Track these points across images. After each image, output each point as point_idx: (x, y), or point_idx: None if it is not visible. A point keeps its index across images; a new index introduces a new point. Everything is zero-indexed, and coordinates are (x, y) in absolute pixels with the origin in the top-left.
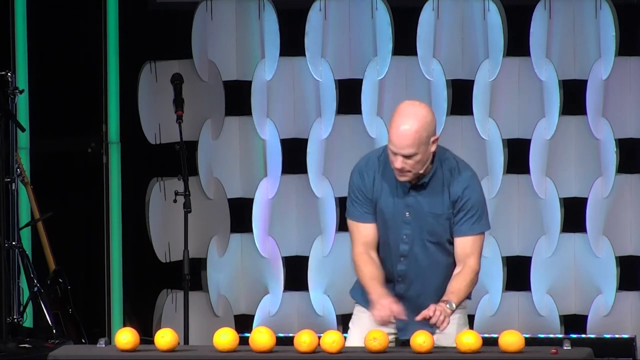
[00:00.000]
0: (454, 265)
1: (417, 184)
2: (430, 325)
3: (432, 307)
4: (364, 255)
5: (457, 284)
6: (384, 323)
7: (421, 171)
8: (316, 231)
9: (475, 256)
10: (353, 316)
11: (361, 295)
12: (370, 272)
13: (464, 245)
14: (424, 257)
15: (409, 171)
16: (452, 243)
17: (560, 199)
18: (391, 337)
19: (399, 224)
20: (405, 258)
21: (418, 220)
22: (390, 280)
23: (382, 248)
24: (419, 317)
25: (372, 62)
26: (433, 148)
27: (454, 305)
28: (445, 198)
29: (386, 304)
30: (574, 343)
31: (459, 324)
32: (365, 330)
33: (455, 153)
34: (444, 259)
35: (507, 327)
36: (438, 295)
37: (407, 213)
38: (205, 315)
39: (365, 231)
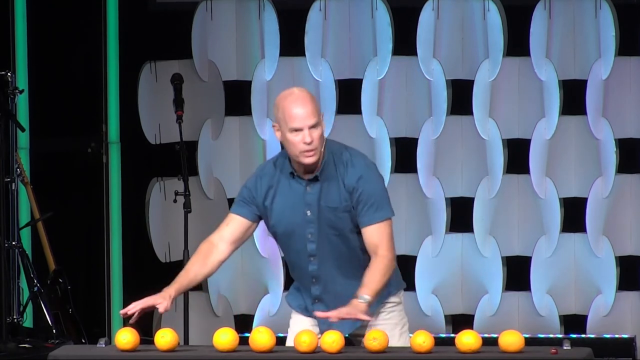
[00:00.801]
0: (366, 256)
1: (309, 179)
2: (352, 321)
3: (338, 310)
4: (206, 243)
5: (370, 276)
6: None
7: (321, 150)
8: None
9: (384, 244)
10: (292, 315)
11: (292, 300)
12: (192, 261)
13: (370, 235)
14: (332, 254)
15: (315, 148)
16: (358, 234)
17: (560, 199)
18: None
19: (302, 225)
20: (315, 257)
21: (319, 216)
22: (305, 284)
23: (291, 253)
24: (331, 318)
25: (372, 62)
26: (324, 127)
27: (366, 298)
28: (341, 191)
29: (146, 300)
30: (574, 343)
31: (394, 323)
32: (294, 332)
33: (456, 153)
34: (353, 252)
35: (507, 327)
36: (354, 291)
37: (308, 212)
38: (205, 315)
39: (234, 224)
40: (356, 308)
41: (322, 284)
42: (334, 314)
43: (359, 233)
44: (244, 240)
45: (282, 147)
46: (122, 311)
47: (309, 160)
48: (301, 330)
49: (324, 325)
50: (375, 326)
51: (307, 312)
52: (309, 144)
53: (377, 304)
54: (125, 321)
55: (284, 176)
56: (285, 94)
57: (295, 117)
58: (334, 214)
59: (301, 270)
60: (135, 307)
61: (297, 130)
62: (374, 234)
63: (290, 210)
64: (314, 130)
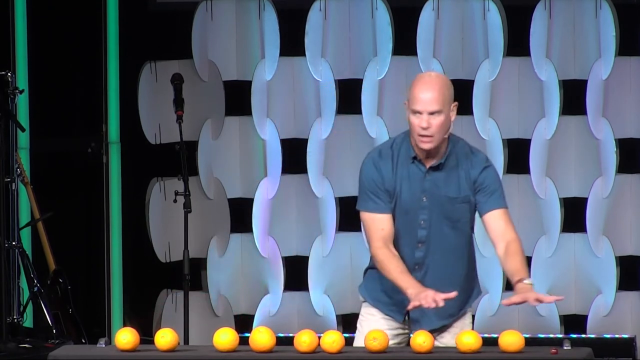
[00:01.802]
0: (471, 253)
1: (433, 166)
2: (445, 317)
3: (516, 297)
4: (384, 249)
5: (518, 260)
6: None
7: (440, 139)
8: (316, 231)
9: (511, 227)
10: (361, 316)
11: (371, 294)
12: (397, 265)
13: (496, 219)
14: (442, 243)
15: (432, 135)
16: (470, 227)
17: (560, 199)
18: (402, 338)
19: (416, 210)
20: (423, 244)
21: (435, 204)
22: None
23: (400, 236)
24: (506, 303)
25: (372, 62)
26: (453, 116)
27: (531, 279)
28: (462, 181)
29: (430, 295)
30: (574, 343)
31: (466, 323)
32: (378, 325)
33: None
34: (463, 243)
35: (507, 327)
36: (456, 281)
37: (424, 198)
38: (205, 315)
39: (382, 224)
40: (527, 292)
41: (424, 271)
42: (514, 300)
43: (470, 225)
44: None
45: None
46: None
47: (424, 145)
48: (303, 330)
49: (416, 317)
50: (462, 329)
51: (392, 301)
52: (425, 129)
53: (467, 304)
54: (125, 321)
55: (402, 159)
56: (422, 75)
57: (417, 99)
58: (452, 203)
59: (406, 256)
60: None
61: (417, 112)
62: (501, 218)
63: (408, 194)
64: (433, 117)
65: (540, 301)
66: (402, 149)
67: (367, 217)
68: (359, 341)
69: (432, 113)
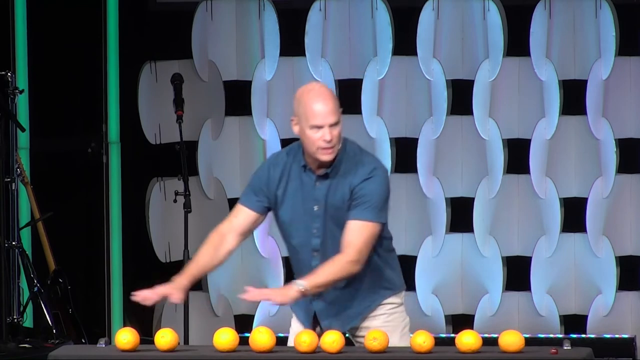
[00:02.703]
0: (370, 254)
1: (320, 175)
2: (346, 319)
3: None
4: (216, 235)
5: (321, 268)
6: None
7: (339, 147)
8: None
9: (356, 245)
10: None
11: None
12: (201, 254)
13: (348, 230)
14: (336, 250)
15: (334, 146)
16: None
17: (560, 199)
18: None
19: (308, 219)
20: (318, 252)
21: (326, 212)
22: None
23: (294, 247)
24: (250, 297)
25: (372, 62)
26: (341, 125)
27: (303, 284)
28: (346, 188)
29: (158, 291)
30: (574, 343)
31: (395, 325)
32: (294, 332)
33: (456, 153)
34: None
35: (507, 327)
36: (357, 284)
37: (315, 207)
38: (205, 315)
39: (242, 215)
40: (283, 291)
41: None
42: (255, 294)
43: None
44: (252, 230)
45: (281, 142)
46: (137, 298)
47: (326, 157)
48: (301, 330)
49: (323, 320)
50: (378, 327)
51: (309, 307)
52: (329, 141)
53: (376, 302)
54: (125, 321)
55: (295, 168)
56: (308, 88)
57: (316, 114)
58: (339, 212)
59: (303, 264)
60: (150, 299)
61: (317, 127)
62: (352, 231)
63: (299, 203)
64: (334, 129)
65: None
66: (296, 157)
67: (236, 206)
68: (290, 340)
69: (332, 125)
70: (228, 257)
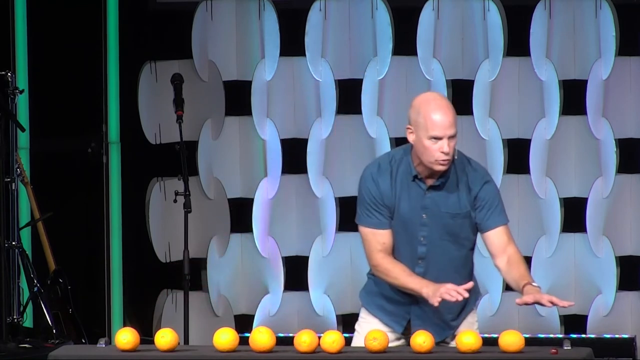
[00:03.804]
0: (469, 265)
1: (431, 185)
2: (446, 329)
3: (528, 296)
4: (387, 258)
5: (522, 268)
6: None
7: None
8: (316, 231)
9: (512, 243)
10: (361, 318)
11: (369, 300)
12: (403, 270)
13: (499, 236)
14: (441, 258)
15: (450, 158)
16: (470, 241)
17: (560, 199)
18: (402, 342)
19: (415, 227)
20: (423, 260)
21: (435, 221)
22: None
23: (399, 252)
24: (519, 302)
25: (372, 62)
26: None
27: (536, 283)
28: (462, 196)
29: (450, 287)
30: (574, 343)
31: (471, 322)
32: (368, 330)
33: None
34: (462, 257)
35: (507, 327)
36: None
37: (423, 215)
38: (205, 315)
39: (382, 238)
40: (538, 293)
41: None
42: (527, 300)
43: (472, 240)
44: None
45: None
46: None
47: (443, 168)
48: (303, 330)
49: (416, 327)
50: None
51: (393, 311)
52: (447, 153)
53: (465, 314)
54: (125, 321)
55: (401, 176)
56: (428, 98)
57: (437, 125)
58: (454, 219)
59: None
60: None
61: (436, 138)
62: (504, 234)
63: (408, 211)
64: (452, 140)
65: (553, 303)
66: (401, 166)
67: (367, 232)
68: (358, 342)
69: (450, 137)
70: None
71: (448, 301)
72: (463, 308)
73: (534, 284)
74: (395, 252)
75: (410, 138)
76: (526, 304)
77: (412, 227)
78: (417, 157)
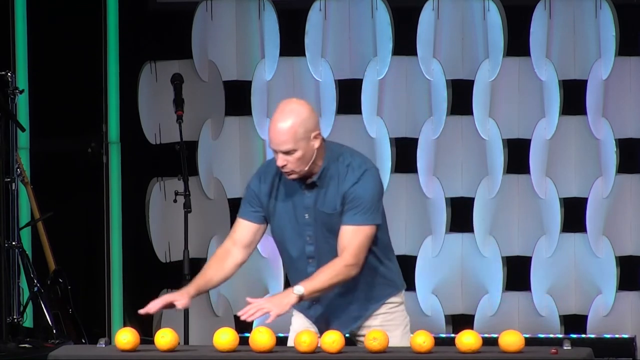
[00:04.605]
0: (366, 258)
1: (308, 183)
2: (350, 320)
3: (249, 301)
4: (221, 249)
5: (318, 273)
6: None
7: (306, 169)
8: None
9: (351, 249)
10: (294, 313)
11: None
12: (208, 266)
13: (342, 235)
14: (331, 256)
15: (293, 170)
16: None
17: (560, 199)
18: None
19: (301, 227)
20: (313, 259)
21: (316, 220)
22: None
23: (290, 256)
24: (240, 314)
25: (372, 62)
26: (316, 144)
27: (301, 290)
28: (337, 195)
29: (165, 298)
30: (574, 343)
31: (396, 324)
32: (294, 331)
33: (456, 153)
34: None
35: (507, 327)
36: (353, 288)
37: (306, 215)
38: (205, 315)
39: (242, 228)
40: (280, 299)
41: None
42: (252, 312)
43: None
44: (257, 242)
45: None
46: (142, 311)
47: (290, 177)
48: (301, 330)
49: (322, 325)
50: (378, 327)
51: (308, 312)
52: (282, 167)
53: (377, 303)
54: (125, 321)
55: (284, 177)
56: (278, 108)
57: (271, 139)
58: (330, 219)
59: (299, 272)
60: (155, 307)
61: (273, 150)
62: (347, 235)
63: (290, 212)
64: (288, 155)
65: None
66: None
67: (236, 221)
68: (290, 340)
69: (285, 152)
70: (235, 270)
71: (340, 299)
72: (368, 306)
73: (296, 290)
74: (287, 256)
75: None
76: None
77: (298, 227)
78: None
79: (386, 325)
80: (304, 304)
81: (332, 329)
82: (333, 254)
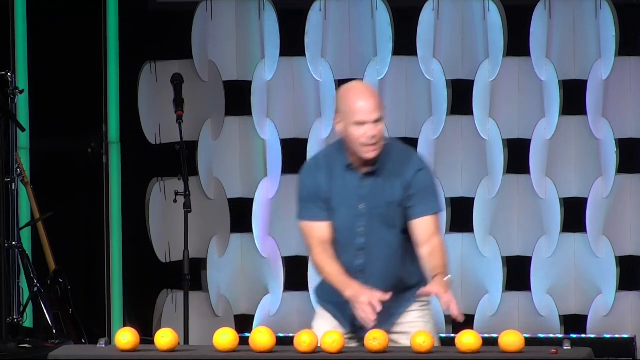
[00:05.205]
0: (409, 251)
1: (368, 172)
2: (387, 317)
3: (431, 287)
4: (323, 254)
5: (438, 262)
6: (370, 323)
7: (382, 144)
8: None
9: (439, 235)
10: (316, 315)
11: (323, 298)
12: (336, 269)
13: (425, 225)
14: (381, 248)
15: (377, 143)
16: (406, 229)
17: (560, 199)
18: (354, 341)
19: (353, 218)
20: (363, 251)
21: (372, 211)
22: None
23: (338, 245)
24: (418, 292)
25: (372, 62)
26: (384, 122)
27: (450, 277)
28: (397, 184)
29: (365, 300)
30: (574, 343)
31: (425, 321)
32: (320, 332)
33: (456, 153)
34: (401, 245)
35: (507, 327)
36: (397, 285)
37: (360, 205)
38: (205, 315)
39: (321, 230)
40: (441, 285)
41: (367, 278)
42: (427, 290)
43: (406, 229)
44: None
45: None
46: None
47: (370, 155)
48: (303, 330)
49: (356, 325)
50: (410, 324)
51: (340, 308)
52: (372, 137)
53: (410, 300)
54: (125, 321)
55: (338, 168)
56: (349, 86)
57: (359, 110)
58: (388, 208)
59: (346, 264)
60: (373, 310)
61: (360, 123)
62: (429, 224)
63: (344, 204)
64: (377, 125)
65: (447, 304)
66: (337, 159)
67: (305, 226)
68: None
69: (375, 121)
70: None
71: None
72: (404, 304)
73: (445, 277)
74: (334, 245)
75: (338, 128)
76: (426, 294)
77: (350, 218)
78: (348, 147)
79: (418, 321)
80: (339, 303)
81: (377, 326)
82: (382, 245)
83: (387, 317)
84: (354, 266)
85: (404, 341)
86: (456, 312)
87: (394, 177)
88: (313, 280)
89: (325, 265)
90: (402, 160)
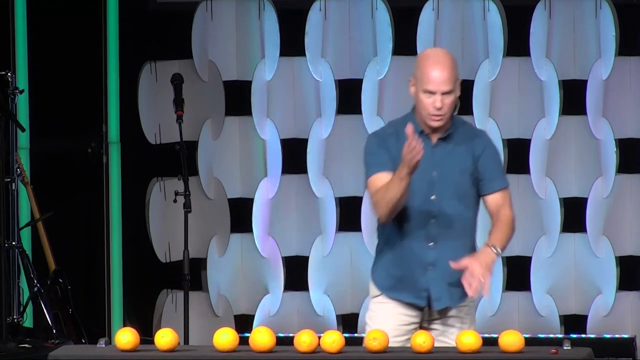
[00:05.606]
0: (476, 221)
1: (441, 137)
2: (457, 296)
3: (469, 259)
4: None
5: (500, 231)
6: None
7: (450, 117)
8: (316, 231)
9: (508, 206)
10: (372, 312)
11: (386, 283)
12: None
13: (497, 200)
14: (453, 217)
15: (444, 114)
16: (474, 201)
17: (560, 199)
18: (413, 327)
19: (425, 186)
20: (436, 219)
21: (445, 178)
22: (418, 251)
23: (411, 213)
24: (454, 265)
25: (372, 62)
26: (458, 92)
27: (499, 250)
28: (468, 153)
29: (410, 145)
30: (574, 343)
31: (471, 320)
32: (391, 322)
33: None
34: (471, 217)
35: (507, 327)
36: (466, 254)
37: (434, 172)
38: (205, 315)
39: (386, 178)
40: (486, 257)
41: (438, 248)
42: (459, 265)
43: (477, 201)
44: None
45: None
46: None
47: (435, 124)
48: (303, 330)
49: (436, 302)
50: (461, 318)
51: (410, 280)
52: (439, 109)
53: (461, 299)
54: (125, 321)
55: (403, 138)
56: (428, 52)
57: (431, 80)
58: (461, 176)
59: (419, 233)
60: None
61: (430, 92)
62: (501, 198)
63: (417, 171)
64: (446, 97)
65: (474, 283)
66: (401, 132)
67: (373, 180)
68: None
69: (445, 93)
70: None
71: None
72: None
73: (493, 249)
74: (407, 214)
75: (411, 90)
76: (459, 268)
77: (423, 186)
78: (418, 114)
79: (466, 317)
80: (415, 275)
81: (444, 303)
82: (455, 214)
83: (456, 294)
84: (427, 235)
85: (451, 335)
86: (482, 288)
87: (465, 146)
88: (370, 270)
89: (383, 185)
90: (470, 132)
